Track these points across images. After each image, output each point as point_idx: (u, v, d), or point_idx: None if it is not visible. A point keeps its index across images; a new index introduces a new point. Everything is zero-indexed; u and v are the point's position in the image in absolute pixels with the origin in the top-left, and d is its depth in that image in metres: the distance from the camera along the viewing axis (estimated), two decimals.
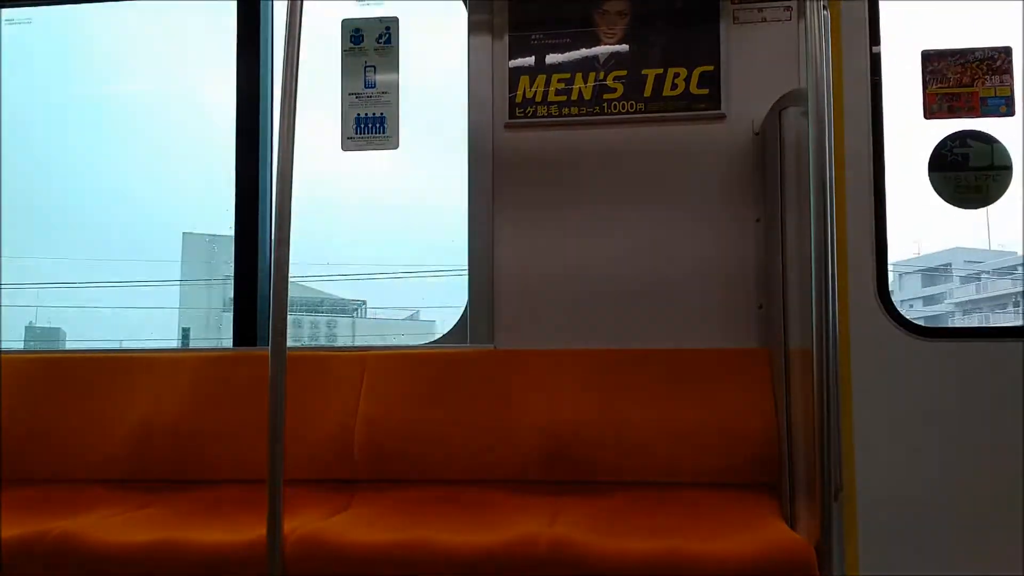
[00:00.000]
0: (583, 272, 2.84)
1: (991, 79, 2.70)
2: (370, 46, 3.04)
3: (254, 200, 3.16)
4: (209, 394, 2.84)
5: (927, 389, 2.63)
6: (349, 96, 3.04)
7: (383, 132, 3.02)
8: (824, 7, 2.20)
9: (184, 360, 2.94)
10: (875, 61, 2.73)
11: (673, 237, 2.80)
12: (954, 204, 2.72)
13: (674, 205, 2.81)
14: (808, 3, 2.18)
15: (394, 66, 3.03)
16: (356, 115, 3.03)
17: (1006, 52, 2.71)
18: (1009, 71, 2.70)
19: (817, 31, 2.15)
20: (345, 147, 3.03)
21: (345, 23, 3.05)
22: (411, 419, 2.70)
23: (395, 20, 3.03)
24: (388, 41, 3.04)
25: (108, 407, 2.86)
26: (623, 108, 2.83)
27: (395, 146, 3.02)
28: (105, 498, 2.72)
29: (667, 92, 2.81)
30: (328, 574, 2.15)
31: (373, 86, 3.04)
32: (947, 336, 2.66)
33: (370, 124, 3.02)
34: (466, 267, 2.93)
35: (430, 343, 2.99)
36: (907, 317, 2.64)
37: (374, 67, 3.04)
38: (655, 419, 2.60)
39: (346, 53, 3.05)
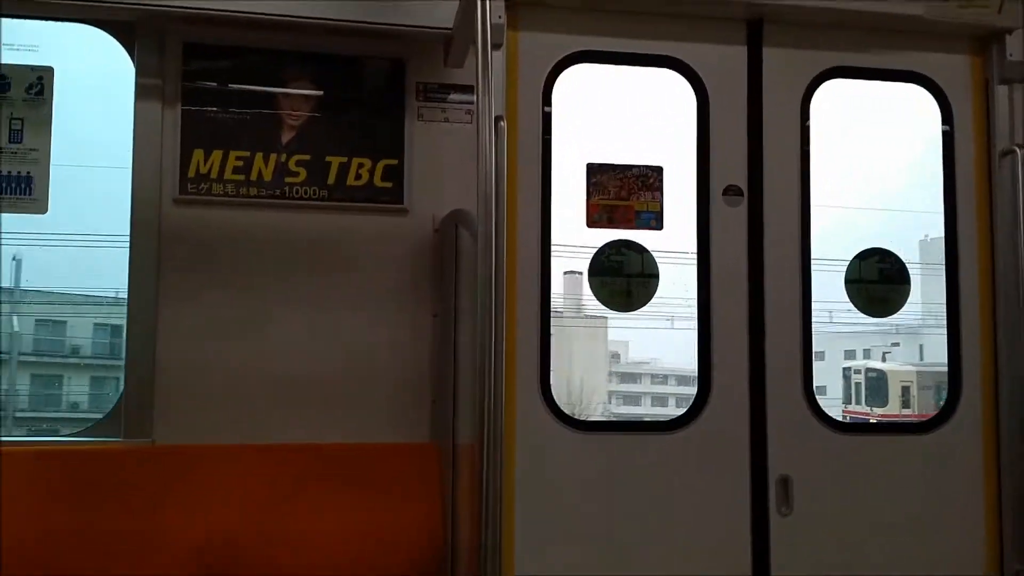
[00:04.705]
0: (256, 361, 2.70)
1: (644, 194, 2.98)
2: (18, 96, 2.68)
3: None
4: None
5: (582, 479, 2.83)
6: None
7: (29, 194, 2.67)
8: (500, 118, 2.29)
9: None
10: (547, 169, 2.90)
11: (351, 328, 2.76)
12: (608, 307, 2.97)
13: (353, 295, 2.78)
14: (480, 114, 2.25)
15: (46, 121, 2.69)
16: None
17: (657, 171, 3.01)
18: (660, 188, 3.00)
19: (488, 144, 2.22)
20: None
21: None
22: (50, 530, 2.40)
23: (50, 70, 2.70)
24: (40, 92, 2.70)
25: None
26: (305, 193, 2.75)
27: (44, 210, 2.69)
28: None
29: (351, 181, 2.77)
30: None
31: (20, 141, 2.68)
32: (598, 429, 2.89)
33: (14, 184, 2.67)
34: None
35: (77, 437, 2.69)
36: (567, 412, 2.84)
37: (22, 120, 2.68)
38: (322, 519, 2.55)
39: None
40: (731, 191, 3.01)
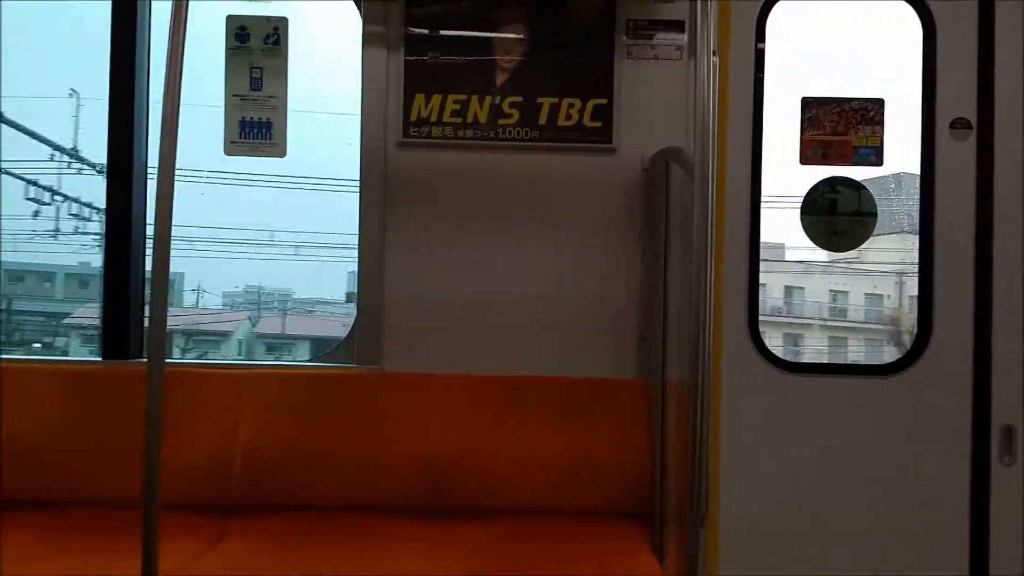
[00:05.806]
0: (472, 296, 2.85)
1: (863, 129, 2.85)
2: (257, 46, 2.89)
3: (126, 203, 2.98)
4: (71, 410, 2.70)
5: (789, 420, 2.82)
6: (233, 97, 2.89)
7: (269, 138, 2.90)
8: (713, 53, 2.24)
9: (44, 372, 2.78)
10: (758, 106, 2.83)
11: (561, 266, 2.85)
12: (822, 247, 2.89)
13: (563, 234, 2.85)
14: (698, 49, 2.21)
15: (282, 69, 2.90)
16: (241, 118, 2.89)
17: (879, 104, 2.86)
18: (880, 122, 2.85)
19: (706, 80, 2.19)
20: (228, 151, 2.90)
21: (230, 19, 2.88)
22: (292, 442, 2.67)
23: (284, 20, 2.89)
24: (276, 42, 2.90)
25: None
26: (518, 135, 2.83)
27: (282, 154, 2.92)
28: None
29: (561, 122, 2.82)
30: None
31: (260, 89, 2.90)
32: (809, 371, 2.84)
33: (256, 129, 2.90)
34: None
35: (314, 362, 2.95)
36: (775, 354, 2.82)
37: (261, 68, 2.90)
38: (535, 448, 2.67)
39: (231, 51, 2.89)
40: (959, 124, 2.82)
